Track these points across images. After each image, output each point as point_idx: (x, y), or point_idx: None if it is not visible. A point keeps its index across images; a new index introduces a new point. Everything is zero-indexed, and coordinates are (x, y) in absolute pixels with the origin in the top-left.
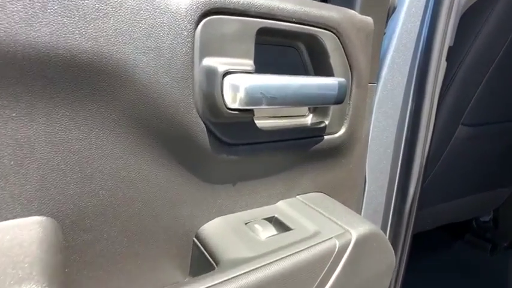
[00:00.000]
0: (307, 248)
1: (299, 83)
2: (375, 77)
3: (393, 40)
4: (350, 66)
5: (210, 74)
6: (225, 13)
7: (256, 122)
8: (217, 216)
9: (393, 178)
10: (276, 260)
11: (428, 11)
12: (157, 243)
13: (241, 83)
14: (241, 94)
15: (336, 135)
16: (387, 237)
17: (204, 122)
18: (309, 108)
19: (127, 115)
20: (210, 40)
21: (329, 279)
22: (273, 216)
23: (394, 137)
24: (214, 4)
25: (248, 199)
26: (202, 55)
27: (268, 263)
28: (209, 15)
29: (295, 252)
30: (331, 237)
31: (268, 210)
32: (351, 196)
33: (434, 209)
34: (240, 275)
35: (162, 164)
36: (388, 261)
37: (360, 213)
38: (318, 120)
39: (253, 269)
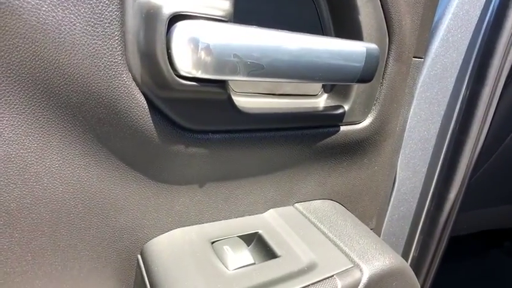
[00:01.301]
0: None
1: (305, 46)
2: (422, 50)
3: (451, 4)
4: (388, 29)
5: (149, 18)
6: None
7: (235, 100)
8: (176, 228)
9: (430, 180)
10: None
11: None
12: (90, 260)
13: (201, 36)
14: (201, 55)
15: (359, 126)
16: (413, 247)
17: (147, 97)
18: (324, 86)
19: (36, 91)
20: None
21: None
22: (256, 233)
23: (437, 131)
24: None
25: (223, 206)
26: None
27: None
28: None
29: None
30: (332, 275)
31: (250, 223)
32: (371, 205)
33: (472, 214)
34: None
35: (95, 157)
36: None
37: (383, 222)
38: (333, 104)
39: None
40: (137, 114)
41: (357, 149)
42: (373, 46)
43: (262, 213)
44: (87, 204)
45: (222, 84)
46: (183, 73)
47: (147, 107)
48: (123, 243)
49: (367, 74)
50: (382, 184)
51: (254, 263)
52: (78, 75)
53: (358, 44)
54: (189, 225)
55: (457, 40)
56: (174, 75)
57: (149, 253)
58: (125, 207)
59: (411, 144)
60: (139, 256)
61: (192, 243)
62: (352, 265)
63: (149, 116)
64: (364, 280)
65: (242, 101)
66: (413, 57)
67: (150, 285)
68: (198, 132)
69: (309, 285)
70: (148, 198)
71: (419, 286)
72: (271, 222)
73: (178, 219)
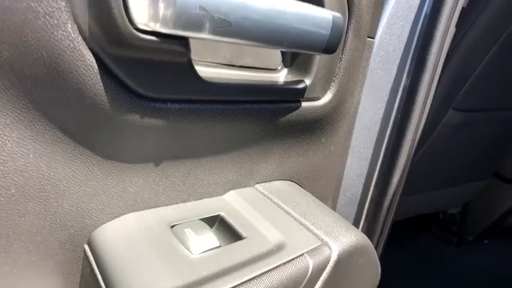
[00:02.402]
0: (266, 272)
1: (276, 7)
2: (374, 31)
3: None
4: (348, 2)
5: None
6: None
7: (196, 68)
8: (129, 212)
9: (374, 165)
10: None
11: None
12: (26, 253)
13: None
14: (162, 4)
15: (319, 102)
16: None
17: (95, 55)
18: (284, 61)
19: None
20: None
21: None
22: (218, 215)
23: (381, 116)
24: None
25: (181, 187)
26: None
27: None
28: None
29: (246, 280)
30: (303, 254)
31: (211, 205)
32: (327, 187)
33: (406, 200)
34: None
35: (30, 129)
36: (374, 281)
37: (336, 205)
38: (295, 79)
39: None
40: (83, 75)
41: (316, 127)
42: (338, 15)
43: (222, 195)
44: (21, 185)
45: (184, 42)
46: (140, 26)
47: (96, 67)
48: (67, 231)
49: (332, 43)
50: (337, 165)
51: (220, 246)
52: (8, 23)
53: (325, 11)
54: (144, 209)
55: (399, 27)
56: (131, 28)
57: (98, 241)
58: (68, 189)
59: (359, 127)
60: (86, 246)
61: (148, 228)
62: (321, 243)
63: (98, 77)
64: (333, 257)
65: (201, 71)
66: (368, 36)
67: (103, 277)
68: (156, 101)
69: (280, 265)
70: (97, 179)
71: (379, 264)
72: (233, 204)
73: (132, 203)
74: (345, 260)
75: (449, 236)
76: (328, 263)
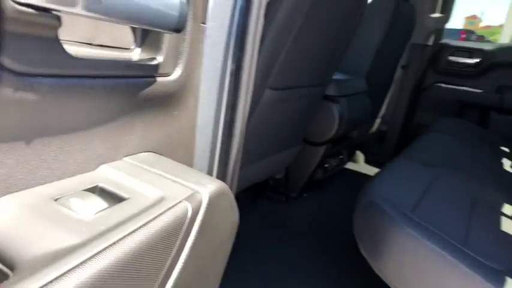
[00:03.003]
0: (155, 218)
1: None
2: (205, 17)
3: None
4: None
5: None
6: None
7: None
8: (3, 196)
9: (215, 139)
10: (116, 242)
11: None
12: None
13: None
14: None
15: (170, 77)
16: None
17: None
18: (135, 41)
19: None
20: None
21: (183, 249)
22: (96, 186)
23: (216, 96)
24: None
25: (53, 165)
26: None
27: (104, 249)
28: None
29: (140, 226)
30: (181, 201)
31: (86, 180)
32: (184, 159)
33: (242, 171)
34: (56, 278)
35: None
36: (235, 218)
37: None
38: (148, 56)
39: (78, 264)
40: None
41: (169, 100)
42: (183, 1)
43: (94, 170)
44: None
45: (56, 17)
46: None
47: None
48: None
49: (181, 23)
50: (190, 138)
51: (108, 207)
52: None
53: None
54: (18, 191)
55: (222, 17)
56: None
57: None
58: None
59: (201, 104)
60: None
61: (30, 206)
62: (193, 191)
63: None
64: (205, 200)
65: (66, 48)
66: (201, 22)
67: None
68: (27, 75)
69: (164, 211)
70: None
71: (236, 205)
72: (108, 175)
73: (4, 185)
74: (213, 202)
75: (278, 197)
76: (201, 205)
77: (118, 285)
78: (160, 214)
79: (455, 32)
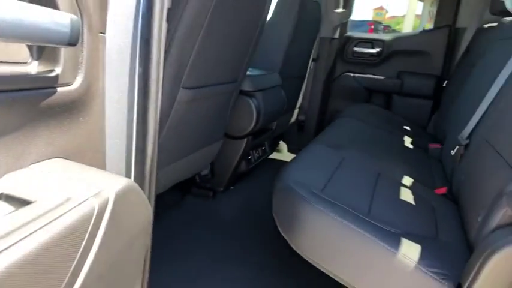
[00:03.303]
0: (61, 215)
1: (17, 9)
2: (104, 27)
3: None
4: (78, 6)
5: None
6: None
7: None
8: None
9: (130, 143)
10: (23, 239)
11: None
12: None
13: None
14: None
15: (71, 87)
16: None
17: None
18: (32, 55)
19: None
20: None
21: (92, 244)
22: (2, 193)
23: (126, 100)
24: None
25: None
26: None
27: (8, 247)
28: None
29: (46, 224)
30: (87, 199)
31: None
32: (95, 159)
33: (165, 171)
34: None
35: None
36: (147, 213)
37: None
38: (46, 69)
39: None
40: None
41: (72, 108)
42: (74, 17)
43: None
44: None
45: None
46: None
47: None
48: None
49: (73, 38)
50: (99, 142)
51: (14, 210)
52: None
53: (64, 14)
54: None
55: (125, 25)
56: None
57: None
58: None
59: (110, 110)
60: None
61: None
62: (99, 189)
63: None
64: (111, 197)
65: None
66: (99, 32)
67: None
68: None
69: (70, 209)
70: None
71: (148, 201)
72: (13, 182)
73: None
74: (120, 198)
75: (206, 192)
76: (108, 201)
77: (25, 280)
78: (66, 212)
79: (365, 23)
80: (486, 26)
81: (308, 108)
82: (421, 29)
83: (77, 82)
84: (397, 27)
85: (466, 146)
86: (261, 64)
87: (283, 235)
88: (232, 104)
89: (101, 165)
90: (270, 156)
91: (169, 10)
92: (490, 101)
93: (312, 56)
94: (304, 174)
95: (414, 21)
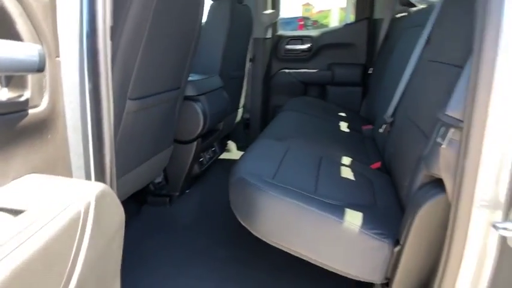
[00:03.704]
0: (53, 218)
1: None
2: (58, 52)
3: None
4: (38, 35)
5: None
6: None
7: None
8: None
9: (87, 156)
10: (28, 238)
11: None
12: None
13: None
14: None
15: (39, 108)
16: None
17: None
18: (0, 83)
19: None
20: None
21: (82, 244)
22: None
23: (79, 115)
24: None
25: None
26: None
27: (17, 247)
28: None
29: (43, 226)
30: (73, 203)
31: None
32: (64, 172)
33: (120, 182)
34: None
35: None
36: (120, 213)
37: None
38: (16, 94)
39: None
40: None
41: (42, 127)
42: (39, 46)
43: None
44: None
45: None
46: None
47: None
48: None
49: (41, 65)
50: (65, 156)
51: (12, 217)
52: None
53: (30, 45)
54: None
55: (73, 46)
56: None
57: None
58: None
59: (71, 126)
60: None
61: None
62: (81, 195)
63: None
64: (93, 200)
65: None
66: (56, 56)
67: None
68: None
69: (61, 212)
70: None
71: (121, 204)
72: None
73: None
74: (100, 200)
75: (162, 199)
76: (91, 203)
77: (33, 276)
78: (57, 215)
79: (295, 20)
80: (398, 16)
81: (251, 106)
82: (348, 21)
83: (44, 103)
84: (324, 21)
85: (392, 123)
86: (201, 69)
87: (244, 224)
88: (178, 110)
89: (69, 177)
90: (220, 157)
91: (111, 27)
92: (406, 82)
93: (248, 56)
94: (255, 166)
95: (340, 14)
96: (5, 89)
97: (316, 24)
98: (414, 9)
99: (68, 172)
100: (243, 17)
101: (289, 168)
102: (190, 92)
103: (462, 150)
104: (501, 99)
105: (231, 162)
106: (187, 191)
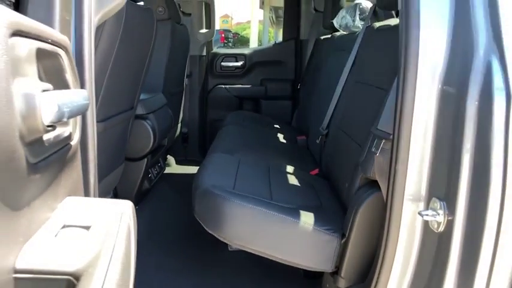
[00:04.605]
0: (117, 230)
1: (69, 95)
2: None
3: None
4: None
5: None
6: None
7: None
8: (25, 241)
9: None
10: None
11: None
12: None
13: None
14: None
15: (74, 141)
16: None
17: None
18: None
19: None
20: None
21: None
22: (64, 224)
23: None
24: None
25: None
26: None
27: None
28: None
29: (115, 236)
30: (123, 218)
31: (55, 221)
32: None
33: None
34: None
35: None
36: (135, 225)
37: None
38: (63, 130)
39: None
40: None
41: (76, 156)
42: (86, 91)
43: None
44: None
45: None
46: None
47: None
48: None
49: (88, 105)
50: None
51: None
52: None
53: (82, 90)
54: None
55: None
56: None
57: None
58: None
59: None
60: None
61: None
62: (123, 207)
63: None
64: (129, 212)
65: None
66: None
67: None
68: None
69: (118, 224)
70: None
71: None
72: (61, 217)
73: (27, 234)
74: (132, 212)
75: None
76: (131, 216)
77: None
78: (119, 226)
79: (217, 33)
80: (322, 37)
81: (189, 120)
82: (265, 34)
83: (76, 136)
84: (243, 33)
85: (326, 134)
86: (147, 87)
87: (210, 231)
88: (130, 129)
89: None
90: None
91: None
92: (337, 99)
93: (186, 73)
94: (216, 178)
95: (258, 26)
96: (57, 127)
97: (236, 37)
98: (338, 34)
99: (82, 192)
100: (181, 36)
101: (245, 179)
102: (140, 110)
103: (394, 157)
104: (421, 116)
105: (174, 176)
106: (136, 207)
